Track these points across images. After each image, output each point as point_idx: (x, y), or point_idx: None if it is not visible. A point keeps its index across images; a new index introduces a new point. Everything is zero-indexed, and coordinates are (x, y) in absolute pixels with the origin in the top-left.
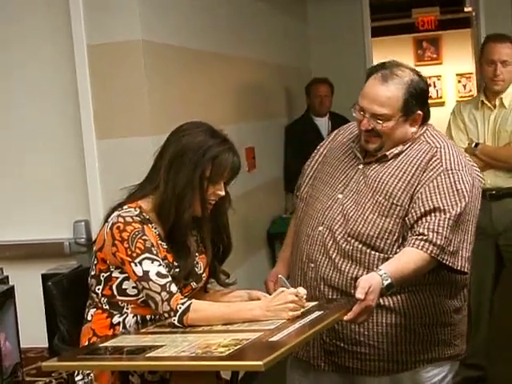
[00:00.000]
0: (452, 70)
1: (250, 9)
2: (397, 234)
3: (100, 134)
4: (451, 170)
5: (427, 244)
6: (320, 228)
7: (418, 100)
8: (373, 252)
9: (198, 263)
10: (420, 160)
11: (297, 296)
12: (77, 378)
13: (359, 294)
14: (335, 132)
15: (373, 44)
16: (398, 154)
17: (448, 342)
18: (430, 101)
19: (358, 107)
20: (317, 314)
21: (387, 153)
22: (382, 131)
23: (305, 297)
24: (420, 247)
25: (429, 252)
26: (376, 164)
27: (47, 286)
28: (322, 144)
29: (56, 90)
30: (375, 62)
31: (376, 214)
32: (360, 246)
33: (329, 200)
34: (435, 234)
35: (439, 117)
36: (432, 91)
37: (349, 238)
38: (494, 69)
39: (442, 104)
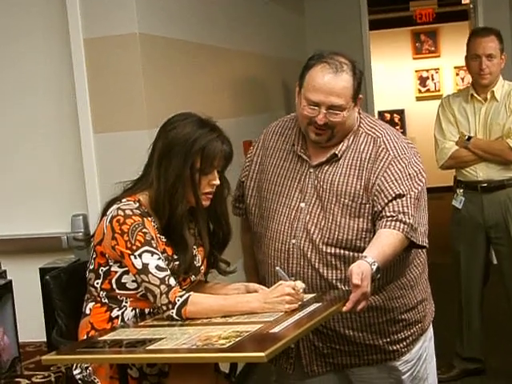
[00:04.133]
0: (450, 62)
1: (247, 1)
2: (373, 230)
3: (97, 128)
4: (399, 156)
5: (398, 223)
6: (293, 241)
7: (360, 83)
8: (356, 254)
9: (196, 256)
10: (367, 153)
11: (294, 289)
12: (75, 372)
13: (356, 280)
14: (261, 138)
15: (370, 37)
16: (345, 151)
17: (425, 313)
18: (427, 94)
19: (307, 102)
20: (315, 306)
21: (336, 151)
22: (338, 122)
23: (301, 290)
24: (393, 227)
25: (401, 230)
26: (327, 165)
27: (45, 280)
28: (252, 153)
29: (53, 84)
30: (373, 55)
31: (347, 217)
32: (342, 251)
33: (292, 211)
34: (403, 214)
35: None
36: (430, 84)
37: (330, 247)
38: (480, 63)
39: (439, 97)
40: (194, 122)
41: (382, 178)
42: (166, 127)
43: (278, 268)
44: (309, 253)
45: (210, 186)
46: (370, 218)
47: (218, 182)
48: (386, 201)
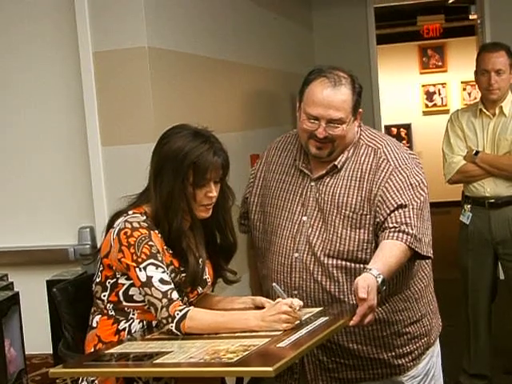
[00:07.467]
0: (457, 77)
1: (256, 16)
2: (375, 242)
3: (105, 141)
4: (400, 166)
5: (401, 234)
6: (296, 255)
7: (360, 97)
8: (357, 265)
9: (204, 268)
10: (368, 164)
11: (291, 307)
12: None
13: (362, 294)
14: (265, 154)
15: (378, 51)
16: (345, 162)
17: (431, 327)
18: (434, 108)
19: (307, 117)
20: (322, 320)
21: (336, 162)
22: (338, 136)
23: (298, 308)
24: (395, 238)
25: (404, 241)
26: (328, 177)
27: (52, 293)
28: (256, 169)
29: (61, 96)
30: (380, 70)
31: (349, 229)
32: (344, 262)
33: (294, 225)
34: (405, 225)
35: (444, 124)
36: (437, 99)
37: (331, 259)
38: (488, 78)
39: (446, 112)
40: (186, 135)
41: (384, 189)
42: (161, 141)
43: (274, 284)
44: (311, 266)
45: (208, 198)
46: (371, 229)
47: (214, 193)
48: (388, 211)
